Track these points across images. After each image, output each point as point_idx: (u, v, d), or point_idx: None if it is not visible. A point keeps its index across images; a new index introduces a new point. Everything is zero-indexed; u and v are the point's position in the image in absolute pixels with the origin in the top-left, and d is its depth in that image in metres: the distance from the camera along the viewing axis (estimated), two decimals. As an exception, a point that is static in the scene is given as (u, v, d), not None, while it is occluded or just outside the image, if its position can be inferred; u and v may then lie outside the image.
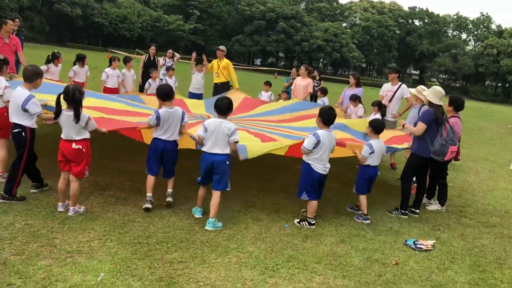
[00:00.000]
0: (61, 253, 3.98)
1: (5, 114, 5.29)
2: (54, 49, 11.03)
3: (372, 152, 5.72)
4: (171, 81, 11.16)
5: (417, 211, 6.20)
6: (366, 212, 5.74)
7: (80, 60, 9.82)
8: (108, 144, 7.63)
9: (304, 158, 5.33)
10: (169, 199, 5.43)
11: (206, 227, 4.91)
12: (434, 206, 6.59)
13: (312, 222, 5.36)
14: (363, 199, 5.78)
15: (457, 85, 78.99)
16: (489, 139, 16.13)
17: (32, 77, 5.02)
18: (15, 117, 4.96)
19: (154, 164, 5.33)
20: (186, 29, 70.30)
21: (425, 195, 6.71)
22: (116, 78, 10.15)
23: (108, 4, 65.91)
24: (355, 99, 9.08)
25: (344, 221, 5.65)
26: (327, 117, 5.25)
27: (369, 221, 5.66)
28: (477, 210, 6.75)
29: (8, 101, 5.24)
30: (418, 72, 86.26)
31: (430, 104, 6.05)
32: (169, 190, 5.49)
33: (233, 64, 11.88)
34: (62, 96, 4.61)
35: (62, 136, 4.74)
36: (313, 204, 5.35)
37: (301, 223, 5.38)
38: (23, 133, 4.95)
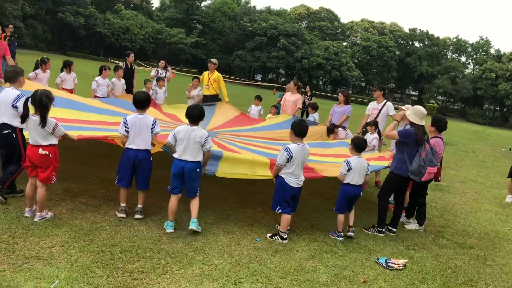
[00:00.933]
0: (19, 258, 3.91)
1: None
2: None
3: (350, 169, 5.56)
4: (161, 92, 11.21)
5: (394, 229, 6.13)
6: (341, 230, 5.65)
7: (67, 66, 9.76)
8: (88, 151, 7.58)
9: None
10: (138, 216, 5.27)
11: (190, 226, 4.99)
12: (413, 225, 6.52)
13: (284, 237, 5.28)
14: (340, 217, 5.66)
15: (456, 107, 79.21)
16: (481, 161, 16.09)
17: (14, 76, 5.10)
18: (5, 118, 4.99)
19: (125, 175, 5.23)
20: (188, 43, 70.77)
21: (404, 214, 6.66)
22: (105, 87, 10.12)
23: (111, 15, 66.40)
24: (330, 131, 9.12)
25: (318, 237, 5.57)
26: (299, 129, 5.23)
27: (342, 239, 5.57)
28: (456, 231, 6.68)
29: None
30: (417, 93, 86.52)
31: (412, 124, 6.01)
32: (139, 205, 5.35)
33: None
34: (29, 100, 4.58)
35: (29, 141, 4.70)
36: (286, 217, 5.27)
37: (273, 237, 5.30)
38: (13, 134, 5.01)
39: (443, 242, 6.07)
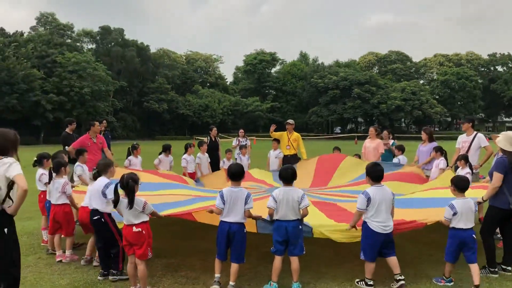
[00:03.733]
0: (130, 335, 4.10)
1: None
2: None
3: (455, 214, 5.09)
4: (245, 159, 11.56)
5: (509, 268, 5.59)
6: (449, 275, 5.28)
7: (167, 149, 10.41)
8: (178, 224, 7.90)
9: (363, 217, 5.19)
10: None
11: None
12: (529, 261, 5.89)
13: (369, 283, 5.12)
14: (448, 266, 5.25)
15: (560, 127, 72.42)
16: None
17: (105, 168, 5.76)
18: (94, 204, 5.64)
19: (221, 248, 5.24)
20: (264, 109, 73.18)
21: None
22: (193, 163, 10.64)
23: (190, 96, 71.17)
24: (438, 150, 8.66)
25: (424, 285, 5.23)
26: (374, 174, 5.21)
27: (452, 283, 5.20)
28: None
29: (70, 196, 6.29)
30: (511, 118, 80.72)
31: (503, 151, 5.64)
32: (231, 283, 5.15)
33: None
34: (119, 185, 5.00)
35: (123, 221, 5.08)
36: (370, 265, 5.13)
37: (359, 283, 5.20)
38: (102, 219, 5.58)
39: None
